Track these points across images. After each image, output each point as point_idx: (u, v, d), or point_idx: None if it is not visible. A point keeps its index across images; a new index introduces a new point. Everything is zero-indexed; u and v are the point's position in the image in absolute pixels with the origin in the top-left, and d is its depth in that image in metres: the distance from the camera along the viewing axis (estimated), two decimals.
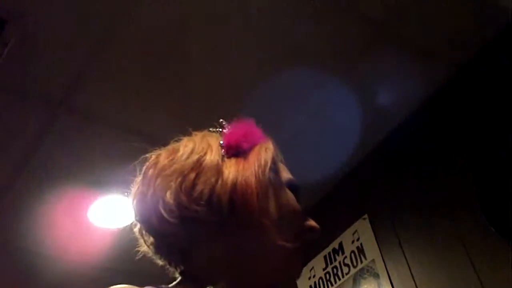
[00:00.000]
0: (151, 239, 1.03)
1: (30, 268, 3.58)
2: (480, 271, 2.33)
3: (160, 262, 1.04)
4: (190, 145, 1.04)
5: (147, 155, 1.09)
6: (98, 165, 2.99)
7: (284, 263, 0.98)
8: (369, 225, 2.93)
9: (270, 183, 1.00)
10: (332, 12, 2.45)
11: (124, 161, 3.13)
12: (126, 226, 3.27)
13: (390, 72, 2.71)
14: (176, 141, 1.09)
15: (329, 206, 3.19)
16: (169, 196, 0.97)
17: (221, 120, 1.10)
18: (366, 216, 2.97)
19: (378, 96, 2.81)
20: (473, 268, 2.36)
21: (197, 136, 1.08)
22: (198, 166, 0.98)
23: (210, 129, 1.11)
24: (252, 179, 0.97)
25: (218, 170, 0.98)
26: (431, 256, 2.58)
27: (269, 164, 1.01)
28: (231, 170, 0.98)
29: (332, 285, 3.05)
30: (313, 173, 2.95)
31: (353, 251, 2.99)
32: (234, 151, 1.02)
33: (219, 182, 0.96)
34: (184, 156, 1.01)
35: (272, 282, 1.00)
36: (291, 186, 1.05)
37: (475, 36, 2.60)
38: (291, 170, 1.10)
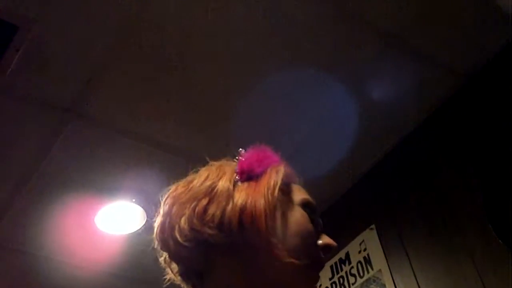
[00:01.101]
0: (176, 266, 1.08)
1: (36, 272, 3.59)
2: (487, 283, 2.32)
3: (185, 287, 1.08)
4: (205, 173, 1.09)
5: (168, 188, 1.12)
6: (106, 171, 3.00)
7: (294, 280, 1.00)
8: (376, 236, 2.93)
9: (279, 203, 1.03)
10: (338, 20, 2.46)
11: (132, 168, 3.17)
12: (133, 232, 3.28)
13: (398, 81, 2.71)
14: (195, 171, 1.13)
15: (336, 216, 3.18)
16: (183, 222, 1.02)
17: (240, 149, 1.13)
18: (373, 226, 2.96)
19: (385, 105, 2.81)
20: (480, 280, 2.35)
21: (214, 165, 1.12)
22: (210, 192, 1.03)
23: (235, 158, 1.14)
24: (261, 201, 1.00)
25: (229, 195, 1.02)
26: (438, 267, 2.57)
27: (278, 185, 1.04)
28: (242, 194, 1.02)
29: None
30: (319, 182, 2.95)
31: (359, 261, 2.98)
32: (247, 175, 1.06)
33: (230, 205, 1.00)
34: (199, 184, 1.06)
35: None
36: (306, 206, 1.07)
37: (483, 46, 2.60)
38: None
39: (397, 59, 2.62)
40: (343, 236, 3.10)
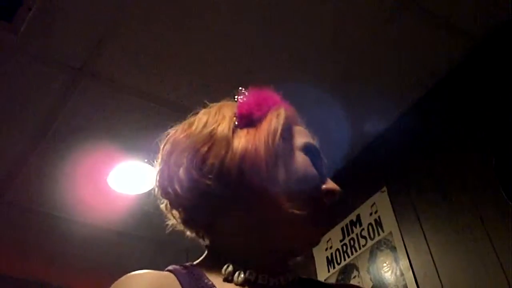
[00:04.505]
0: (177, 213, 1.05)
1: (49, 231, 3.64)
2: (498, 245, 2.32)
3: (189, 234, 1.06)
4: (204, 118, 1.04)
5: (167, 131, 1.09)
6: (119, 131, 3.01)
7: (296, 230, 0.97)
8: (387, 198, 2.93)
9: (281, 150, 0.99)
10: None
11: (144, 128, 3.16)
12: (145, 192, 3.30)
13: (410, 43, 2.67)
14: (194, 114, 1.09)
15: (348, 178, 3.17)
16: (182, 172, 0.99)
17: (240, 88, 1.09)
18: (384, 189, 2.96)
19: (397, 68, 2.78)
20: (490, 243, 2.35)
21: (213, 108, 1.08)
22: (209, 139, 0.99)
23: (230, 98, 1.10)
24: (261, 148, 0.96)
25: (228, 142, 0.98)
26: (448, 230, 2.57)
27: (279, 130, 1.00)
28: (242, 140, 0.98)
29: (349, 256, 3.06)
30: (332, 144, 2.94)
31: (370, 224, 2.99)
32: (246, 120, 1.02)
33: (229, 154, 0.97)
34: (197, 130, 1.02)
35: (286, 250, 1.00)
36: (308, 149, 1.03)
37: (496, 10, 2.55)
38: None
39: (410, 21, 2.58)
40: (355, 198, 3.10)
